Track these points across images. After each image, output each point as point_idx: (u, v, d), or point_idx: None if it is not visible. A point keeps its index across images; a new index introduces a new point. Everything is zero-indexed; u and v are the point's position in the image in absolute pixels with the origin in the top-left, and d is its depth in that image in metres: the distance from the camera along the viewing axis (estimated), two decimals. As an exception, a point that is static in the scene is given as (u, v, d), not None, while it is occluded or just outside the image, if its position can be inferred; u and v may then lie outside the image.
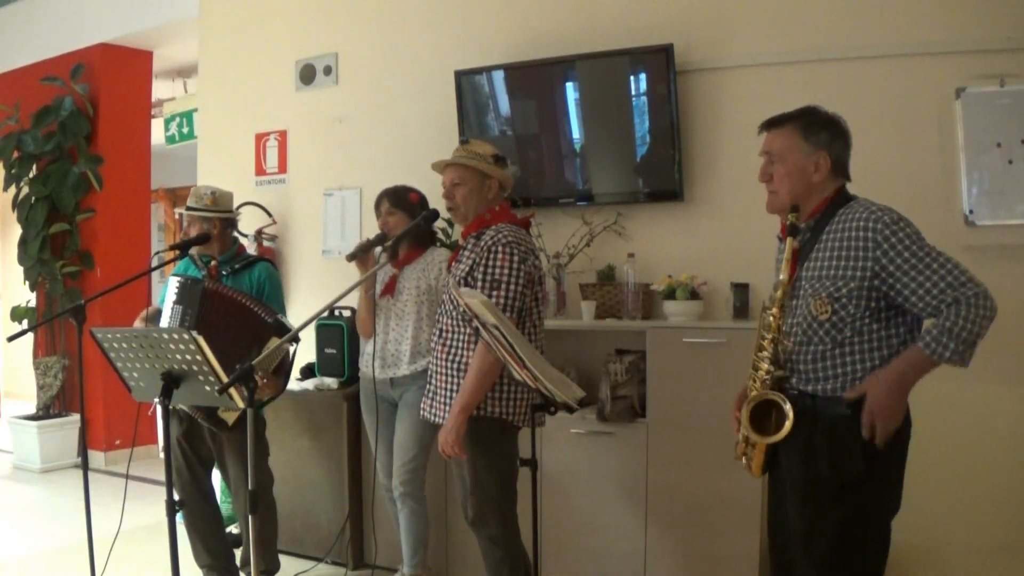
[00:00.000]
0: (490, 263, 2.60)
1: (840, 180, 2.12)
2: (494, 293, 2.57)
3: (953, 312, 1.87)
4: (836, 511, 1.97)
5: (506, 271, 2.58)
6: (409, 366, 3.25)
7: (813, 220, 2.10)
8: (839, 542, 1.98)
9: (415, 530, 3.28)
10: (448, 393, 2.69)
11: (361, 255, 3.24)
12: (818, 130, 2.09)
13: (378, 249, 3.30)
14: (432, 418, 2.77)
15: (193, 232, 3.26)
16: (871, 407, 1.94)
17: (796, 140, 2.09)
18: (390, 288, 3.28)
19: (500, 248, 2.60)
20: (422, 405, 2.85)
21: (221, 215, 3.27)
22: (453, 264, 2.77)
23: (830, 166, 2.08)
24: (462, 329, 2.67)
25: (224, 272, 3.25)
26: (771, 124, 2.16)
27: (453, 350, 2.69)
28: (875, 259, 1.94)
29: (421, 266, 3.27)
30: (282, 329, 3.00)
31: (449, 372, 2.70)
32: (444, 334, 2.74)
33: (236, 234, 3.51)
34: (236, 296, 3.11)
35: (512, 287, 2.58)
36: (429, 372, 2.82)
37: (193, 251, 3.29)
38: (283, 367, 3.15)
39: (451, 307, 2.73)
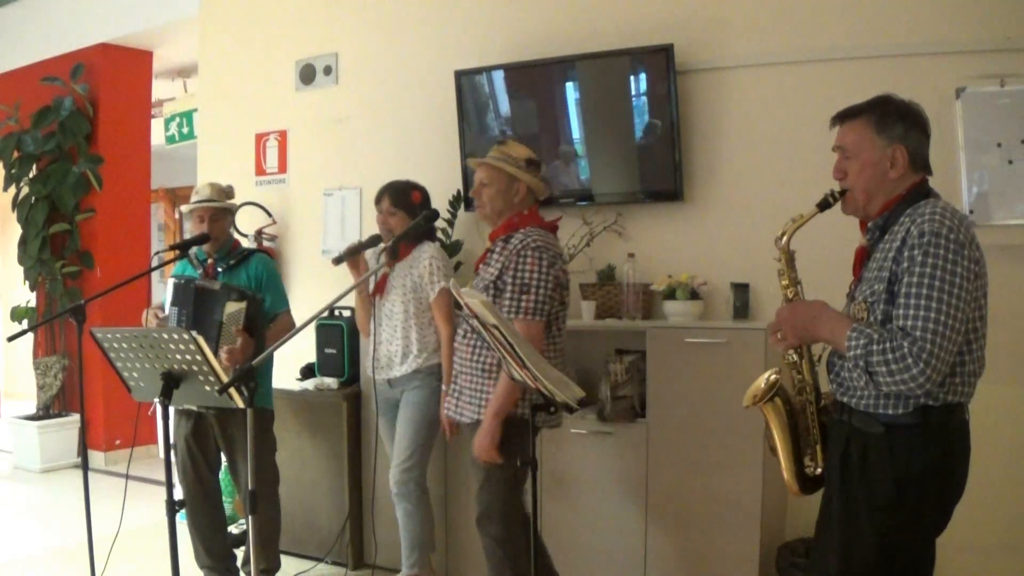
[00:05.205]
0: (520, 267, 2.60)
1: (919, 174, 1.94)
2: (524, 297, 2.57)
3: (890, 339, 1.74)
4: (870, 533, 1.87)
5: (536, 275, 2.59)
6: (402, 366, 3.24)
7: (882, 218, 1.94)
8: (875, 564, 1.87)
9: (410, 531, 3.27)
10: (472, 393, 2.69)
11: (349, 258, 3.22)
12: (892, 122, 1.93)
13: (377, 248, 3.29)
14: (458, 417, 2.78)
15: (196, 230, 3.28)
16: (781, 314, 1.97)
17: (869, 134, 1.94)
18: (380, 287, 3.27)
19: (530, 252, 2.60)
20: (446, 404, 2.85)
21: (220, 205, 3.29)
22: (480, 267, 2.78)
23: (907, 160, 1.92)
24: None
25: (220, 268, 3.27)
26: (842, 117, 2.00)
27: (477, 350, 2.70)
28: (898, 262, 1.81)
29: (408, 263, 3.24)
30: (231, 292, 3.02)
31: (473, 372, 2.70)
32: (468, 334, 2.74)
33: (233, 231, 3.51)
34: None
35: (542, 291, 2.59)
36: (454, 372, 2.82)
37: (191, 251, 3.30)
38: (252, 329, 3.04)
39: None
